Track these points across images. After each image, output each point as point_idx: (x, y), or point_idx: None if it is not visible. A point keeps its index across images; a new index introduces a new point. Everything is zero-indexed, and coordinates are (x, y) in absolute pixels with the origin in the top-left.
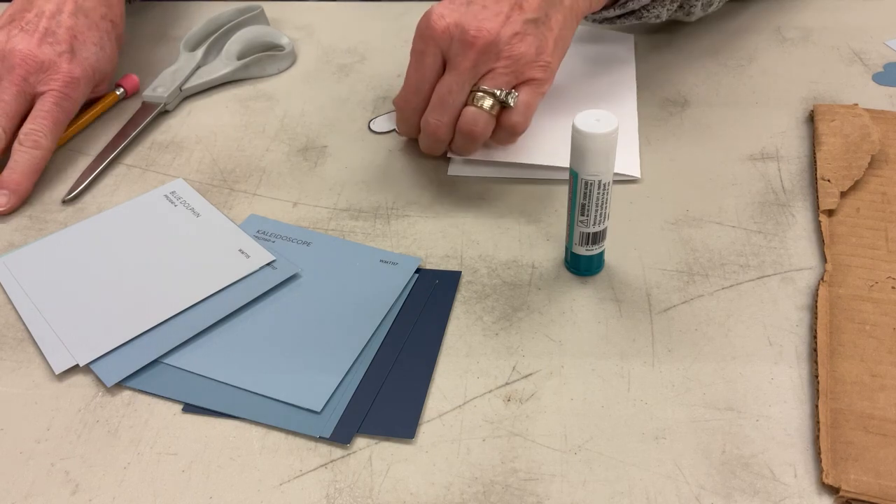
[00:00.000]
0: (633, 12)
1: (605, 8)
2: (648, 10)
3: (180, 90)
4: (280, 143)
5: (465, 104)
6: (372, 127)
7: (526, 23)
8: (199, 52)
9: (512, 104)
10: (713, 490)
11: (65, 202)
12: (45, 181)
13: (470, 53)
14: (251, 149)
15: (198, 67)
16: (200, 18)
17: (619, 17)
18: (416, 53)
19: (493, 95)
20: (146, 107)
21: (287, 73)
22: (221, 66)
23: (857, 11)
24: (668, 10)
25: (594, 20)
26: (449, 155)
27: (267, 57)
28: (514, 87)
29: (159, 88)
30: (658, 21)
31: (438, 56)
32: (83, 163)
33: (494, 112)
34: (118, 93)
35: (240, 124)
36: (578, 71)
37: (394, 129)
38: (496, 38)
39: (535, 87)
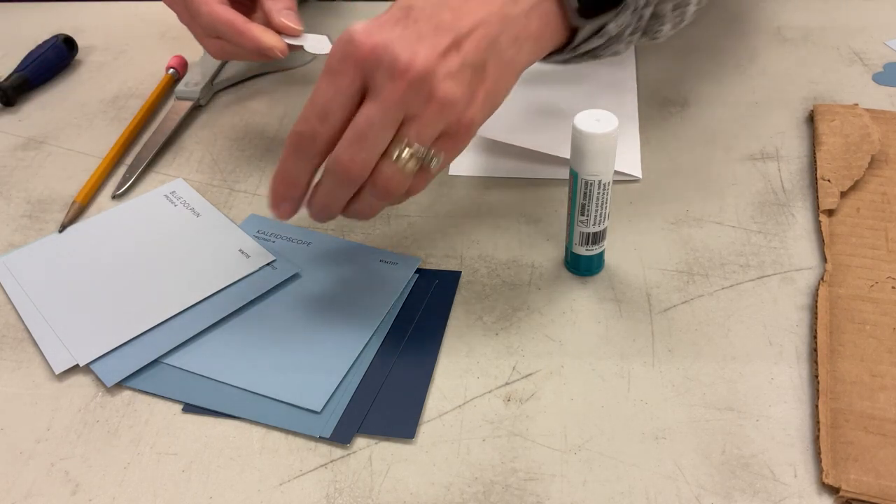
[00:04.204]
0: (587, 52)
1: (553, 54)
2: (604, 49)
3: (212, 84)
4: (280, 143)
5: (385, 153)
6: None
7: (463, 66)
8: None
9: (432, 168)
10: (713, 490)
11: (115, 197)
12: (47, 181)
13: (400, 84)
14: (251, 149)
15: (225, 61)
16: None
17: (573, 58)
18: (331, 73)
19: (418, 157)
20: (179, 102)
21: (287, 73)
22: None
23: (857, 11)
24: (627, 43)
25: (544, 61)
26: (343, 215)
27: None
28: (433, 144)
29: (191, 83)
30: (617, 56)
31: (358, 81)
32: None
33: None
34: (170, 73)
35: (240, 124)
36: (579, 71)
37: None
38: (431, 73)
39: (454, 150)
